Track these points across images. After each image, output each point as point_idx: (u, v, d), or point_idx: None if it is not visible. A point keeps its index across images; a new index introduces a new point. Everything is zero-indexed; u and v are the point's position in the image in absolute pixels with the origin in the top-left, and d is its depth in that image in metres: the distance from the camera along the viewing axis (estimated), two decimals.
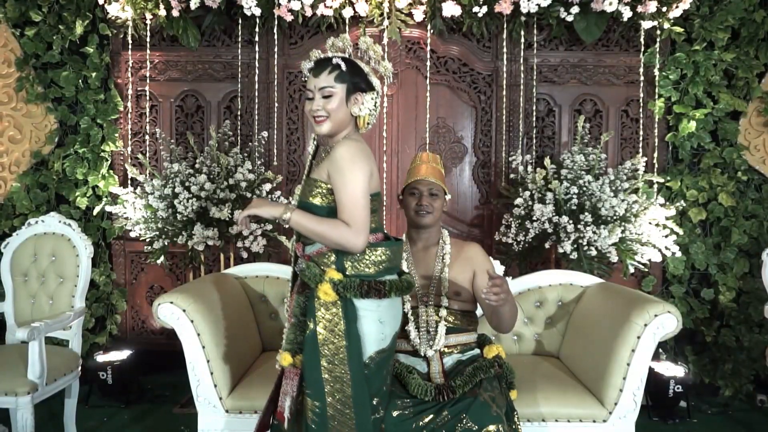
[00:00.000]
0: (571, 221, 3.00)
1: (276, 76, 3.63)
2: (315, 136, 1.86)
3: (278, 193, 3.33)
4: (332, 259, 1.72)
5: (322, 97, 1.72)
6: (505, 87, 3.59)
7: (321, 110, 1.71)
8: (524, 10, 3.26)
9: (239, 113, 3.68)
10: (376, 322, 1.71)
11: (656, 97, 3.53)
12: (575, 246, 3.03)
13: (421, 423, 1.77)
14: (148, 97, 3.71)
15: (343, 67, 1.71)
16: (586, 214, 2.99)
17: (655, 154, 3.55)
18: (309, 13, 3.38)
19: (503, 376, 2.01)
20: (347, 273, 1.70)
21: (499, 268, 2.66)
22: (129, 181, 3.59)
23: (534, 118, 3.61)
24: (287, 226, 1.70)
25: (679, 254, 3.23)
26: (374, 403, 1.71)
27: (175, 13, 3.37)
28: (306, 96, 1.77)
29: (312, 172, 1.80)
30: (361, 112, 1.74)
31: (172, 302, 2.16)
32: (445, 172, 3.67)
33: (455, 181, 3.74)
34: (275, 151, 3.66)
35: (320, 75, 1.72)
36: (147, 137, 3.72)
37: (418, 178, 2.18)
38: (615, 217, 3.04)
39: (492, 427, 1.69)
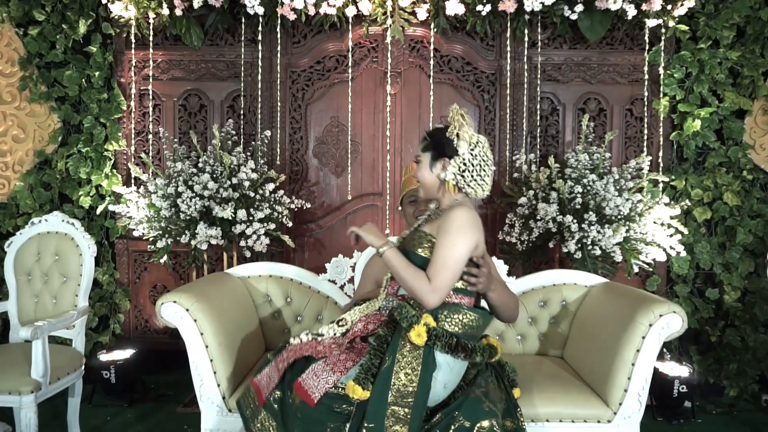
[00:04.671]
0: (575, 220, 2.98)
1: (279, 75, 3.63)
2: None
3: (281, 192, 3.32)
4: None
5: (416, 163, 1.94)
6: (508, 86, 3.57)
7: (415, 176, 1.94)
8: (528, 9, 3.25)
9: (242, 112, 3.68)
10: (442, 384, 1.76)
11: (661, 95, 3.51)
12: (579, 245, 3.02)
13: None
14: (151, 97, 3.71)
15: (428, 137, 1.89)
16: (591, 213, 2.98)
17: (660, 153, 3.54)
18: (312, 11, 3.37)
19: (505, 373, 2.00)
20: (438, 323, 1.77)
21: (503, 268, 2.65)
22: (132, 181, 3.59)
23: (538, 117, 3.60)
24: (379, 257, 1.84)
25: (683, 254, 3.21)
26: None
27: (178, 12, 3.37)
28: None
29: (423, 227, 1.90)
30: (446, 177, 1.84)
31: (175, 301, 2.15)
32: None
33: None
34: (278, 150, 3.66)
35: (419, 146, 1.95)
36: (150, 136, 3.71)
37: (415, 186, 2.31)
38: (619, 217, 3.03)
39: (485, 423, 1.68)
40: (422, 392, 1.70)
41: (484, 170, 1.84)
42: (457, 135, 1.82)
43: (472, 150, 1.82)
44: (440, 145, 1.85)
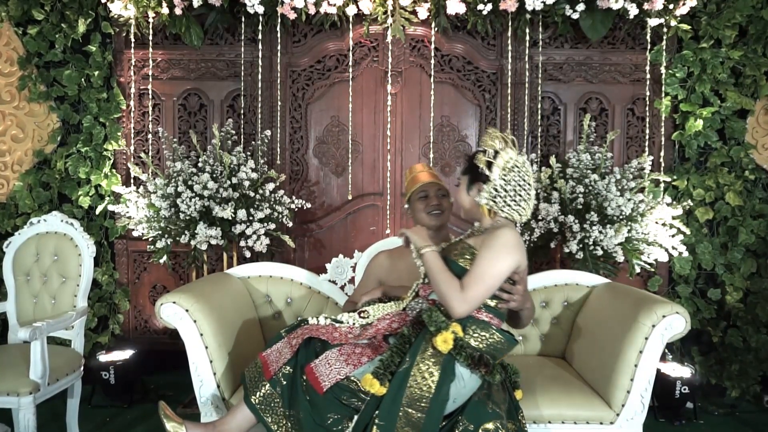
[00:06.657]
0: (576, 221, 2.97)
1: (279, 75, 3.61)
2: None
3: (281, 192, 3.31)
4: None
5: (456, 186, 2.01)
6: (509, 85, 3.56)
7: (455, 198, 2.04)
8: (529, 8, 3.24)
9: (242, 112, 3.67)
10: (452, 399, 1.74)
11: (663, 95, 3.50)
12: (581, 246, 3.00)
13: None
14: (150, 96, 3.69)
15: (467, 160, 1.94)
16: (592, 213, 2.97)
17: (662, 153, 3.52)
18: (312, 11, 3.36)
19: (507, 375, 1.99)
20: (464, 336, 1.77)
21: None
22: (132, 180, 3.57)
23: (539, 117, 3.59)
24: (419, 258, 1.88)
25: (685, 254, 3.19)
26: None
27: (178, 11, 3.36)
28: None
29: (467, 239, 1.95)
30: (480, 201, 1.87)
31: (174, 302, 2.14)
32: (449, 170, 3.71)
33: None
34: (278, 149, 3.65)
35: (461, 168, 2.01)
36: (150, 136, 3.70)
37: (425, 182, 2.37)
38: (621, 217, 3.02)
39: (490, 425, 1.67)
40: (439, 401, 1.68)
41: (520, 195, 1.82)
42: (487, 162, 1.83)
43: (504, 176, 1.81)
44: (475, 169, 1.87)
